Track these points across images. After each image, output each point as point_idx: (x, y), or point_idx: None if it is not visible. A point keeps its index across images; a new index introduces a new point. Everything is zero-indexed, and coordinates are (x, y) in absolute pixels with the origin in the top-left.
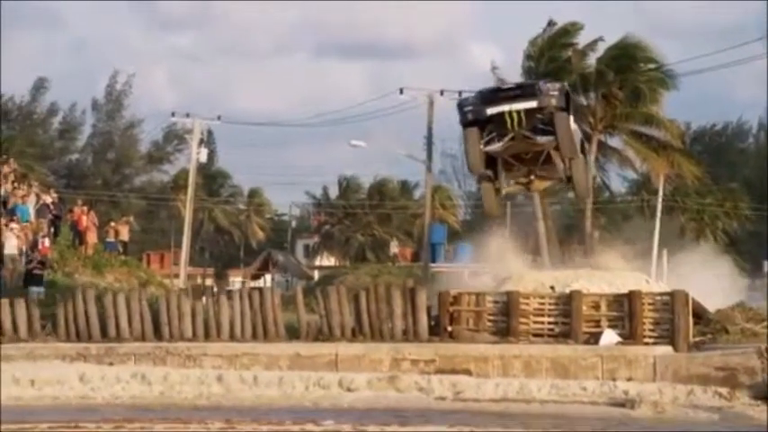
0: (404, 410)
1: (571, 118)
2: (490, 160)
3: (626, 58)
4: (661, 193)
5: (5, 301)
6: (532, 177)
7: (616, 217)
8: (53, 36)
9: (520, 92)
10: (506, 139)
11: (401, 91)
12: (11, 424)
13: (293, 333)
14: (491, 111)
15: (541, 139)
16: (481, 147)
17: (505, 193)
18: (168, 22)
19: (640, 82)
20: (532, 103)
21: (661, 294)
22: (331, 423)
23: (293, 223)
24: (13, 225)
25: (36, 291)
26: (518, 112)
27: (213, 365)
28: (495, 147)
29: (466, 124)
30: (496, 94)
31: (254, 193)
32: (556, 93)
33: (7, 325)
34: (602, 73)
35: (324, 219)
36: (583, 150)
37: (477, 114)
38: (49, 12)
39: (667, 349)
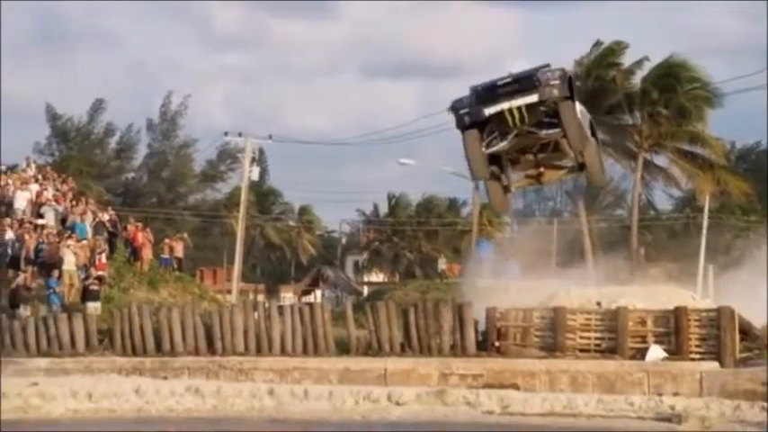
0: (452, 424)
1: (577, 105)
2: (493, 155)
3: (671, 77)
4: (707, 210)
5: (64, 316)
6: (542, 169)
7: (662, 234)
8: (111, 58)
9: (518, 86)
10: (509, 137)
11: (449, 110)
12: None
13: (343, 348)
14: (489, 111)
15: (548, 132)
16: (483, 150)
17: (515, 189)
18: (222, 43)
19: (685, 100)
20: (533, 97)
21: (707, 310)
22: None
23: (343, 240)
24: (70, 242)
25: (93, 306)
26: (519, 108)
27: (265, 379)
28: (499, 147)
29: (464, 128)
30: (493, 92)
31: (304, 211)
32: (557, 82)
33: (65, 339)
34: (647, 92)
35: (373, 236)
36: (593, 133)
37: (475, 117)
38: (107, 34)
39: (714, 365)
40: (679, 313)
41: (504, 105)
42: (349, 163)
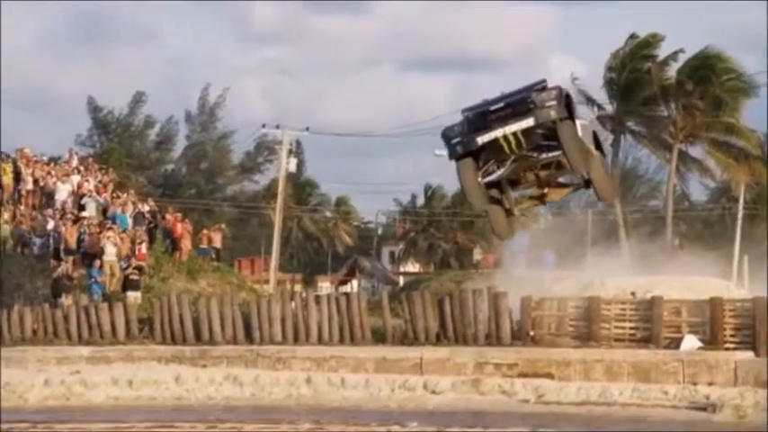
0: (487, 413)
1: (577, 123)
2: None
3: (706, 68)
4: (742, 200)
5: (105, 305)
6: (546, 189)
7: (697, 224)
8: (152, 52)
9: (511, 110)
10: (507, 163)
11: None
12: (110, 423)
13: (379, 337)
14: (483, 139)
15: (547, 156)
16: (480, 179)
17: (519, 212)
18: (261, 38)
19: (721, 92)
20: (529, 121)
21: (742, 301)
22: (416, 425)
23: (379, 231)
24: (110, 234)
25: (133, 295)
26: (514, 133)
27: (302, 368)
28: (496, 176)
29: (457, 158)
30: (485, 118)
31: (341, 202)
32: (553, 102)
33: (106, 328)
34: (682, 84)
35: (409, 226)
36: (599, 147)
37: (468, 146)
38: (148, 30)
39: (748, 355)
40: (714, 303)
41: (499, 132)
42: (385, 155)
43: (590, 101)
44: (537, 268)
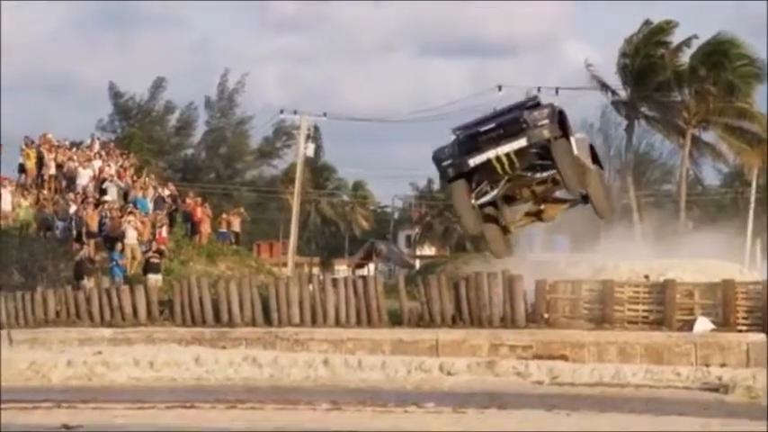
0: (502, 394)
1: (572, 140)
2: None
3: (719, 54)
4: (755, 184)
5: (126, 288)
6: (542, 206)
7: (710, 208)
8: (172, 37)
9: (503, 131)
10: (500, 185)
11: (499, 88)
12: (132, 403)
13: (396, 319)
14: (474, 161)
15: (542, 175)
16: (473, 202)
17: (515, 229)
18: (279, 24)
19: (734, 77)
20: (521, 142)
21: (754, 283)
22: (432, 405)
23: (396, 214)
24: (131, 218)
25: (154, 278)
26: (507, 154)
27: (320, 349)
28: (490, 197)
29: (449, 180)
30: (476, 140)
31: (358, 186)
32: (546, 121)
33: (128, 310)
34: (695, 69)
35: (425, 210)
36: (596, 160)
37: (459, 169)
38: (168, 13)
39: (760, 336)
40: (726, 286)
41: (491, 154)
42: (401, 140)
43: (604, 86)
44: (551, 252)
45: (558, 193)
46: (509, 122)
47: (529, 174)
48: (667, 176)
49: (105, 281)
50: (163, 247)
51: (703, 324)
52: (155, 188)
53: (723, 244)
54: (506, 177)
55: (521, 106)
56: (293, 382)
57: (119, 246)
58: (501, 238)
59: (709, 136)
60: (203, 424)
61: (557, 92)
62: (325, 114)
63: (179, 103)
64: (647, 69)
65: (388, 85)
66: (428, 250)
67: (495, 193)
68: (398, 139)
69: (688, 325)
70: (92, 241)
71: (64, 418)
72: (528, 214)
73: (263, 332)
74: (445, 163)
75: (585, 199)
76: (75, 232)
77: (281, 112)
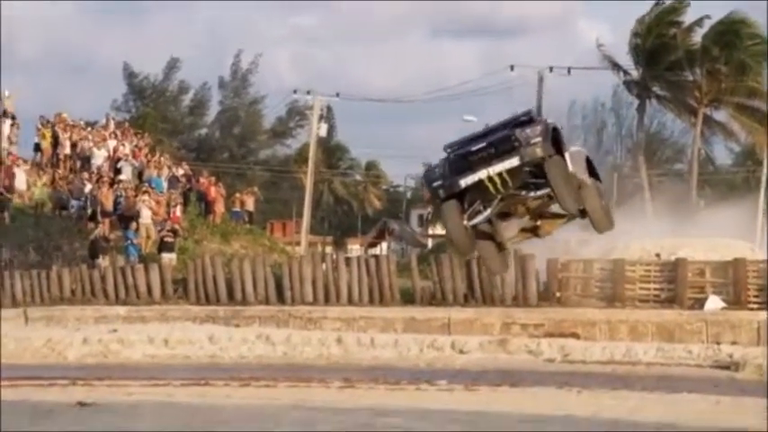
0: (514, 372)
1: (566, 156)
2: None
3: (731, 33)
4: (766, 163)
5: (141, 266)
6: (538, 222)
7: (721, 187)
8: (186, 17)
9: (494, 150)
10: (494, 204)
11: (512, 68)
12: (147, 380)
13: (408, 298)
14: (465, 182)
15: (536, 194)
16: (466, 222)
17: (511, 245)
18: (293, 3)
19: (746, 56)
20: (513, 161)
21: (765, 262)
22: (444, 383)
23: (408, 194)
24: (146, 197)
25: (168, 257)
26: (499, 174)
27: (332, 328)
28: (483, 218)
29: (440, 201)
30: (466, 160)
31: (371, 166)
32: (538, 139)
33: (142, 288)
34: (707, 49)
35: None
36: (593, 173)
37: (450, 190)
38: None
39: None
40: (737, 264)
41: (482, 174)
42: (414, 120)
43: (616, 66)
44: (563, 230)
45: (555, 208)
46: (501, 141)
47: (523, 192)
48: (679, 156)
49: (120, 259)
50: (177, 227)
51: (714, 302)
52: (169, 168)
53: (734, 223)
54: (500, 197)
55: (514, 122)
56: (306, 359)
57: (133, 225)
58: (497, 255)
59: (720, 115)
60: (217, 401)
61: (569, 71)
62: (338, 94)
63: (193, 83)
64: (659, 49)
65: (401, 65)
66: (440, 229)
67: (488, 213)
68: (411, 119)
69: (699, 303)
70: (106, 220)
71: (79, 395)
72: (524, 230)
73: (277, 310)
74: (435, 184)
75: (583, 213)
76: (89, 211)
77: (295, 92)
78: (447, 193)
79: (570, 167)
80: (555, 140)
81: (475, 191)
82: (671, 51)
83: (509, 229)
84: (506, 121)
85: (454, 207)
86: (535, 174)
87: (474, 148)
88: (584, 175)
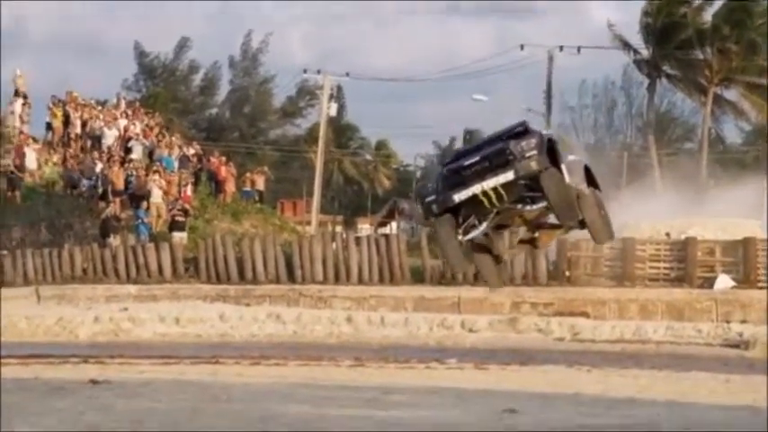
0: (524, 350)
1: (563, 167)
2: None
3: (742, 12)
4: None
5: (151, 245)
6: (536, 234)
7: (732, 167)
8: None
9: (488, 164)
10: (489, 218)
11: (522, 47)
12: (158, 358)
13: (418, 277)
14: (460, 197)
15: (532, 208)
16: (461, 237)
17: (509, 258)
18: None
19: (756, 35)
20: (508, 175)
21: None
22: (454, 361)
23: (418, 173)
24: (156, 177)
25: (179, 236)
26: (494, 188)
27: (343, 307)
28: (479, 232)
29: (434, 216)
30: (460, 174)
31: (381, 145)
32: (533, 152)
33: (153, 267)
34: (718, 28)
35: None
36: (592, 182)
37: (444, 205)
38: None
39: None
40: (747, 243)
41: (476, 189)
42: (424, 99)
43: (626, 45)
44: None
45: (553, 219)
46: (495, 154)
47: (518, 206)
48: (689, 135)
49: (131, 238)
50: (187, 206)
51: (724, 281)
52: (180, 147)
53: (744, 202)
54: (495, 211)
55: (508, 133)
56: (316, 338)
57: (144, 204)
58: (494, 268)
59: (731, 94)
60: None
61: (579, 51)
62: (348, 74)
63: (203, 63)
64: (670, 28)
65: (411, 44)
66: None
67: (483, 227)
68: (421, 98)
69: (709, 282)
70: (117, 199)
71: (91, 373)
72: (522, 242)
73: (287, 289)
74: (429, 199)
75: (582, 224)
76: (100, 190)
77: (305, 71)
78: (440, 208)
79: (567, 179)
80: (550, 152)
81: (469, 205)
82: (681, 30)
83: (506, 242)
84: (501, 133)
85: (448, 222)
86: (531, 187)
87: (467, 163)
88: (582, 185)
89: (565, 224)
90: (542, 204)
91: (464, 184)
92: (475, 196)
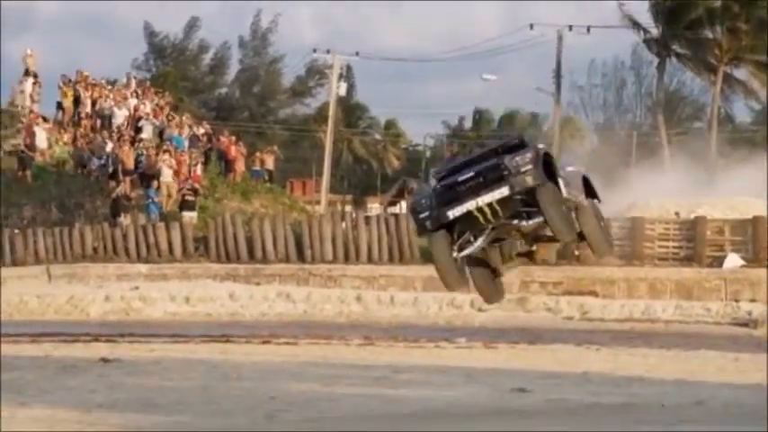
0: (532, 330)
1: (560, 181)
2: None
3: None
4: None
5: (162, 225)
6: (534, 247)
7: (741, 146)
8: None
9: (483, 179)
10: (485, 234)
11: (531, 27)
12: (169, 337)
13: (427, 256)
14: (454, 213)
15: (528, 223)
16: (455, 255)
17: (507, 271)
18: None
19: (766, 13)
20: (503, 191)
21: None
22: (463, 341)
23: (427, 153)
24: (166, 157)
25: (189, 215)
26: (489, 204)
27: (352, 286)
28: (474, 248)
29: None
30: (454, 190)
31: (390, 125)
32: (529, 167)
33: (163, 246)
34: (728, 6)
35: (456, 149)
36: (590, 193)
37: (437, 221)
38: None
39: None
40: (756, 222)
41: (471, 205)
42: (434, 79)
43: (636, 25)
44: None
45: (551, 231)
46: (489, 170)
47: (515, 221)
48: (698, 114)
49: (141, 218)
50: (197, 185)
51: (733, 260)
52: (190, 127)
53: (754, 181)
54: (491, 226)
55: (503, 148)
56: (326, 317)
57: (154, 183)
58: (491, 282)
59: (740, 73)
60: (238, 358)
61: (588, 30)
62: (357, 53)
63: (213, 43)
64: (679, 7)
65: (421, 24)
66: None
67: (479, 243)
68: (431, 77)
69: (718, 261)
70: (128, 179)
71: (102, 351)
72: (519, 255)
73: (297, 269)
74: (422, 215)
75: (581, 237)
76: (111, 170)
77: (314, 51)
78: (434, 225)
79: (564, 193)
80: (546, 166)
81: (464, 222)
82: (691, 9)
83: (503, 255)
84: (496, 147)
85: (442, 239)
86: (527, 202)
87: (461, 178)
88: (580, 197)
89: (562, 240)
90: (539, 219)
91: (458, 199)
92: (470, 212)
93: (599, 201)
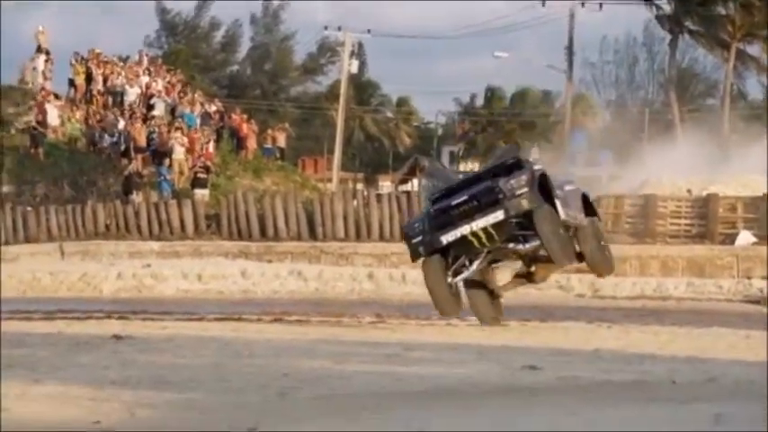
0: (544, 307)
1: (557, 203)
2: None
3: None
4: None
5: (174, 202)
6: (533, 268)
7: (754, 123)
8: None
9: (477, 203)
10: (480, 258)
11: (543, 3)
12: (181, 314)
13: None
14: (447, 238)
15: (524, 247)
16: (450, 280)
17: (506, 292)
18: None
19: None
20: (498, 215)
21: None
22: (475, 318)
23: (439, 131)
24: (178, 134)
25: (201, 193)
26: (483, 229)
27: (364, 264)
28: (470, 273)
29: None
30: (448, 215)
31: (402, 102)
32: (524, 190)
33: (176, 224)
34: None
35: (468, 126)
36: (589, 211)
37: (431, 246)
38: None
39: None
40: None
41: (465, 229)
42: (446, 56)
43: (648, 0)
44: (595, 166)
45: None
46: (483, 193)
47: (511, 245)
48: (711, 91)
49: (153, 195)
50: (209, 163)
51: (745, 237)
52: (201, 104)
53: (767, 158)
54: (486, 250)
55: (498, 168)
56: (338, 295)
57: (167, 161)
58: (489, 304)
59: (753, 49)
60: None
61: (600, 7)
62: (369, 31)
63: (224, 20)
64: None
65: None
66: (471, 166)
67: (474, 267)
68: (443, 55)
69: (730, 238)
70: (140, 156)
71: (115, 328)
72: (518, 276)
73: (309, 246)
74: (415, 240)
75: (580, 257)
76: (123, 147)
77: (326, 28)
78: (428, 250)
79: (562, 215)
80: (542, 187)
81: (459, 246)
82: None
83: (501, 277)
84: (491, 167)
85: (437, 264)
86: (523, 225)
87: (455, 202)
88: (579, 217)
89: (559, 263)
90: (536, 243)
91: (452, 224)
92: (464, 237)
93: (599, 218)
